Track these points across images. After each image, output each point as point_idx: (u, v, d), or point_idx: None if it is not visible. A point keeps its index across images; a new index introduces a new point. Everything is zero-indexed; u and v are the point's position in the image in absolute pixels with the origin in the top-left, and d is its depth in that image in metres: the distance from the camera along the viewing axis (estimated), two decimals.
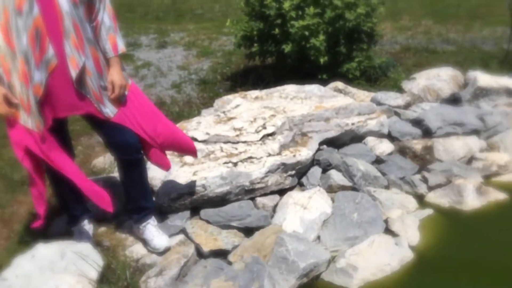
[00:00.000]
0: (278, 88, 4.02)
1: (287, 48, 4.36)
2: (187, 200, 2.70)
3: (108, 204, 2.22)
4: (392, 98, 4.03)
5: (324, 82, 4.24)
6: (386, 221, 2.83)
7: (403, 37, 6.47)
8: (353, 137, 3.50)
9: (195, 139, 3.16)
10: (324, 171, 3.16)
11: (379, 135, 3.57)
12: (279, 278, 2.34)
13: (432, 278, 2.45)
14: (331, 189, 3.04)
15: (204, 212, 2.71)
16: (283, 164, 2.91)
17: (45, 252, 2.20)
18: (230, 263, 2.46)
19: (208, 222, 2.68)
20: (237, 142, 3.13)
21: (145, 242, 2.50)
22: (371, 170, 3.17)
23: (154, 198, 2.67)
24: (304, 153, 3.05)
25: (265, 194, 2.88)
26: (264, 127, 3.26)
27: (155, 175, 2.83)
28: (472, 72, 4.23)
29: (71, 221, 2.53)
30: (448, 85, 4.16)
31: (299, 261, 2.37)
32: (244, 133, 3.21)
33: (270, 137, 3.18)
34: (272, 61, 5.08)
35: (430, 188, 3.14)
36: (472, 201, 2.98)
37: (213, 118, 3.47)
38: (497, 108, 3.89)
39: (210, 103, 4.21)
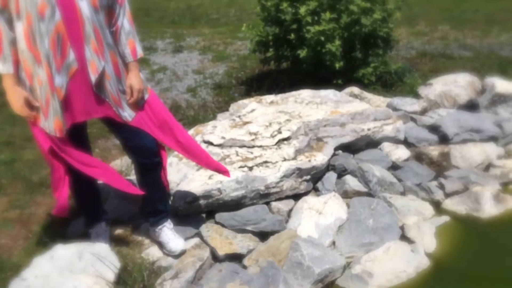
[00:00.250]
0: (294, 93, 4.02)
1: (302, 53, 4.37)
2: (203, 204, 2.72)
3: (135, 188, 2.30)
4: (408, 104, 4.00)
5: (339, 87, 4.24)
6: (402, 228, 2.81)
7: (419, 42, 6.44)
8: (368, 143, 3.48)
9: (211, 143, 3.19)
10: (340, 176, 3.16)
11: (395, 141, 3.55)
12: (294, 283, 2.34)
13: (449, 286, 2.42)
14: (346, 195, 3.03)
15: (219, 216, 2.72)
16: (298, 169, 2.91)
17: (64, 253, 2.23)
18: (245, 267, 2.47)
19: (223, 225, 2.69)
20: (253, 147, 3.14)
21: (161, 245, 2.52)
22: (387, 176, 3.16)
23: (170, 201, 2.69)
24: (320, 158, 3.05)
25: (280, 199, 2.88)
26: (279, 132, 3.26)
27: (171, 178, 2.85)
28: (489, 78, 4.19)
29: (88, 223, 2.57)
30: (465, 91, 4.12)
31: (314, 266, 2.37)
32: (260, 137, 3.22)
33: (285, 142, 3.18)
34: (287, 66, 5.08)
35: (447, 195, 3.11)
36: (489, 209, 2.95)
37: (228, 122, 3.49)
38: None
39: (225, 107, 4.23)
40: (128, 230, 2.70)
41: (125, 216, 2.80)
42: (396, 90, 4.58)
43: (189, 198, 2.70)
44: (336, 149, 3.29)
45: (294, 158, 3.01)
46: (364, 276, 2.43)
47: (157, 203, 2.50)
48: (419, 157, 3.46)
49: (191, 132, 3.43)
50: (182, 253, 2.49)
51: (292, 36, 4.44)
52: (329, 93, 3.96)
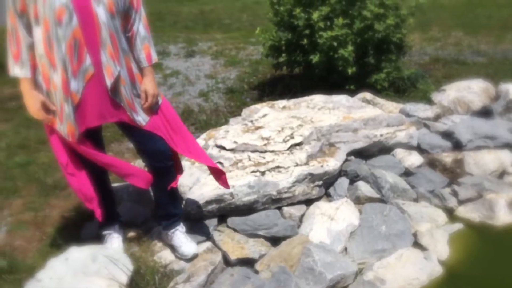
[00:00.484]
0: (306, 98, 4.03)
1: (315, 58, 4.37)
2: (215, 208, 2.73)
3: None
4: (421, 110, 3.98)
5: (351, 93, 4.23)
6: (414, 235, 2.79)
7: (432, 48, 6.40)
8: (381, 149, 3.47)
9: (223, 148, 3.20)
10: (352, 182, 3.15)
11: (408, 147, 3.53)
12: None
13: None
14: (358, 201, 3.02)
15: (231, 220, 2.73)
16: (311, 174, 2.91)
17: (78, 255, 2.26)
18: (256, 272, 2.47)
19: (235, 230, 2.69)
20: (265, 151, 3.15)
21: (173, 249, 2.53)
22: (399, 182, 3.14)
23: (182, 205, 2.71)
24: (332, 164, 3.05)
25: (292, 204, 2.88)
26: (291, 137, 3.27)
27: (183, 182, 2.87)
28: (504, 85, 4.15)
29: (102, 226, 2.59)
30: (479, 97, 4.09)
31: (326, 272, 2.37)
32: (272, 142, 3.22)
33: (297, 147, 3.18)
34: (299, 71, 5.09)
35: (460, 202, 3.08)
36: (503, 216, 2.92)
37: (240, 127, 3.50)
38: None
39: (237, 111, 4.25)
40: (140, 233, 2.72)
41: (138, 219, 2.82)
42: (409, 96, 4.56)
43: (201, 202, 2.71)
44: (348, 154, 3.28)
45: (306, 163, 3.01)
46: (376, 282, 2.42)
47: (170, 207, 2.52)
48: (432, 163, 3.44)
49: (203, 136, 3.45)
50: (194, 257, 2.50)
51: (305, 41, 4.45)
52: (341, 99, 3.96)
